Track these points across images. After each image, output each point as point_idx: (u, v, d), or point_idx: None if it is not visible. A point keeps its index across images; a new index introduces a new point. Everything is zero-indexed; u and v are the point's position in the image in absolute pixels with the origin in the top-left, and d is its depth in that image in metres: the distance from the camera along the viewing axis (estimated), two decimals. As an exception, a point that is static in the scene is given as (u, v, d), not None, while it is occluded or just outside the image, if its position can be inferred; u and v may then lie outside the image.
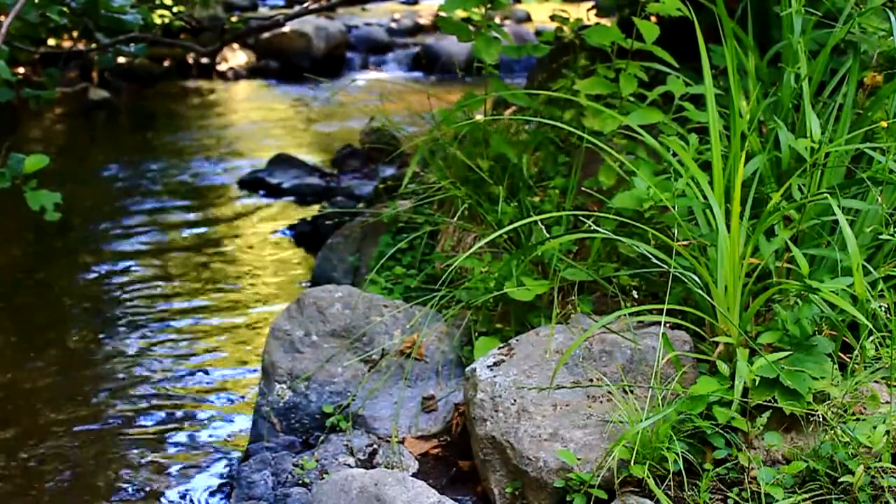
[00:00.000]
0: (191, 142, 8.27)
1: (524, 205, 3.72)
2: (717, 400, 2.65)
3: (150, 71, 10.40)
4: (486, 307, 3.43)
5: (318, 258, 4.84)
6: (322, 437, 3.27)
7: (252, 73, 10.94)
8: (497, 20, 9.75)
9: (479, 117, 4.08)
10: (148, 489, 3.46)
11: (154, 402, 4.07)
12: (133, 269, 5.50)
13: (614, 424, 2.69)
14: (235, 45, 10.78)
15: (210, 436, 3.81)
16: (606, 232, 3.02)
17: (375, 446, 3.18)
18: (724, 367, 2.68)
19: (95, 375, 4.28)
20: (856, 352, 2.70)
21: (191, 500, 3.39)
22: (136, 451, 3.70)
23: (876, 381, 2.69)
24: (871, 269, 2.80)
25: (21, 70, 8.42)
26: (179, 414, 3.97)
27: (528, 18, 12.89)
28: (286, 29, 10.65)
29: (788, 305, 2.80)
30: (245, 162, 7.57)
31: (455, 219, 3.84)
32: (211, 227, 6.24)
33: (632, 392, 2.81)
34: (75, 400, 4.07)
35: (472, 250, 3.10)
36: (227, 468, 3.55)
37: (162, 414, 3.98)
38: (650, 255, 2.92)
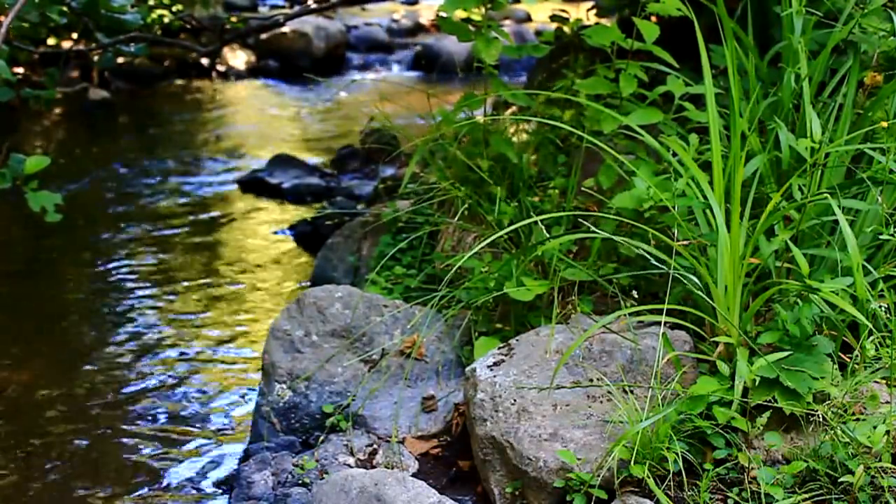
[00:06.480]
0: (191, 142, 8.27)
1: (524, 205, 3.72)
2: (717, 400, 2.65)
3: (150, 71, 10.39)
4: (486, 307, 3.43)
5: (318, 258, 4.84)
6: (322, 437, 3.27)
7: (252, 73, 10.93)
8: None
9: (479, 117, 4.08)
10: (147, 489, 3.45)
11: (153, 401, 4.07)
12: (133, 268, 5.49)
13: (614, 424, 2.69)
14: (235, 45, 10.78)
15: (210, 436, 3.81)
16: (606, 232, 3.02)
17: (375, 446, 3.18)
18: (724, 367, 2.68)
19: (94, 375, 4.27)
20: (856, 352, 2.70)
21: (190, 500, 3.39)
22: (135, 451, 3.69)
23: (876, 381, 2.69)
24: (871, 269, 2.80)
25: (21, 70, 8.42)
26: (179, 414, 3.97)
27: (528, 18, 12.88)
28: (286, 29, 10.64)
29: (788, 305, 2.80)
30: (245, 162, 7.57)
31: (455, 219, 3.84)
32: (211, 227, 6.24)
33: (632, 392, 2.81)
34: (74, 399, 4.07)
35: (472, 251, 3.09)
36: (227, 468, 3.55)
37: (161, 413, 3.97)
38: (650, 256, 2.92)
